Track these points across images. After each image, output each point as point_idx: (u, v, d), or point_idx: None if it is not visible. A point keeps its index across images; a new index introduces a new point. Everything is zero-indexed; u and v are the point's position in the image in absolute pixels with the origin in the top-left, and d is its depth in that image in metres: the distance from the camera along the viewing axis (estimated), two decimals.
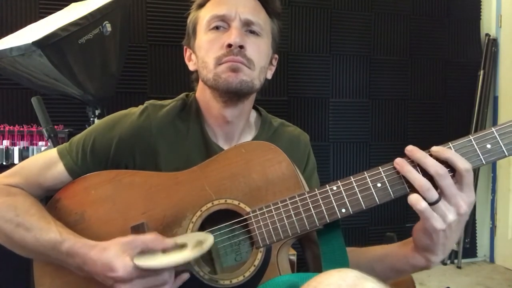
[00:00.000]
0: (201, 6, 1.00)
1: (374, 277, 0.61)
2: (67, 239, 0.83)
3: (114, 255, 0.78)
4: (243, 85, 0.92)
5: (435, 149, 0.76)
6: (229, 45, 0.91)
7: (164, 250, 0.79)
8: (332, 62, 2.95)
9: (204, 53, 0.95)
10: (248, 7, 0.96)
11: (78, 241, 0.83)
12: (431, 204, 0.74)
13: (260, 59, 0.96)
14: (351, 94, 3.00)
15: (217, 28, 0.95)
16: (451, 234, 0.77)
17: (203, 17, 0.98)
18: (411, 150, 0.77)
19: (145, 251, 0.79)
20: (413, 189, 0.76)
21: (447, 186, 0.74)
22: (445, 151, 0.75)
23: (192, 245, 0.79)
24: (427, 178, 0.75)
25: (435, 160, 0.75)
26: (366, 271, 0.68)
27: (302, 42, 2.89)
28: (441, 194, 0.74)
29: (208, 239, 0.79)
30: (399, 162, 0.77)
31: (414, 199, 0.74)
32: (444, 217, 0.74)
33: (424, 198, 0.74)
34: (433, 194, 0.74)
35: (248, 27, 0.95)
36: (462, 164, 0.73)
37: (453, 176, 0.75)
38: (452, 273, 2.98)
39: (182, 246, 0.80)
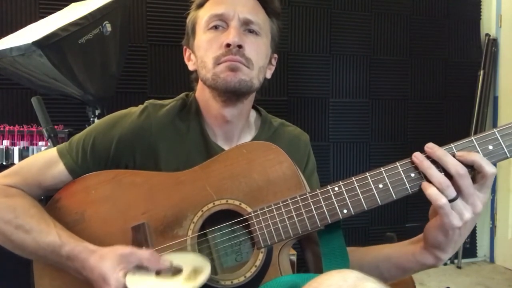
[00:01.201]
0: (200, 6, 0.99)
1: (374, 278, 0.61)
2: (66, 243, 0.84)
3: (109, 267, 0.78)
4: (242, 84, 0.91)
5: (460, 153, 0.75)
6: (228, 45, 0.91)
7: (159, 271, 0.79)
8: (332, 62, 2.95)
9: (203, 52, 0.95)
10: (247, 7, 0.95)
11: (78, 244, 0.84)
12: (449, 201, 0.74)
13: (259, 59, 0.95)
14: (351, 94, 3.00)
15: (215, 27, 0.94)
16: (464, 232, 0.77)
17: (202, 16, 0.97)
18: (432, 147, 0.76)
19: (141, 267, 0.79)
20: (419, 190, 0.76)
21: (466, 186, 0.74)
22: (471, 154, 0.74)
23: (187, 274, 0.78)
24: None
25: (455, 160, 0.74)
26: (370, 270, 0.68)
27: (302, 42, 2.89)
28: (459, 192, 0.74)
29: (204, 270, 0.77)
30: (419, 156, 0.76)
31: (435, 194, 0.74)
32: (461, 215, 0.74)
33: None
34: (451, 192, 0.74)
35: (247, 26, 0.94)
36: (490, 168, 0.73)
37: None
38: (452, 273, 2.98)
39: (176, 271, 0.79)
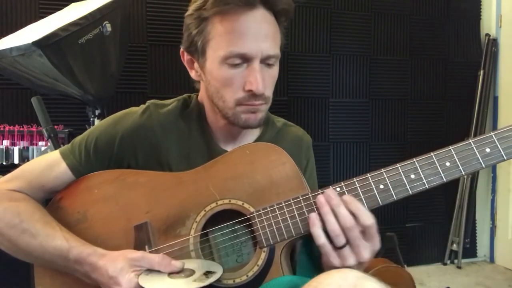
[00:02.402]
0: (207, 18, 0.89)
1: (374, 277, 0.61)
2: (74, 246, 0.84)
3: (121, 269, 0.79)
4: (260, 122, 0.93)
5: (345, 198, 0.79)
6: (251, 90, 0.87)
7: (171, 273, 0.80)
8: (332, 62, 2.95)
9: (220, 86, 0.90)
10: (269, 39, 0.88)
11: (87, 248, 0.84)
12: (338, 248, 0.77)
13: (273, 87, 0.94)
14: (351, 94, 3.00)
15: (236, 64, 0.88)
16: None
17: (217, 42, 0.88)
18: (328, 196, 0.79)
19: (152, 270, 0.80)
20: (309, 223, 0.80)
21: (352, 237, 0.77)
22: (353, 203, 0.78)
23: (200, 275, 0.79)
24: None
25: (347, 213, 0.77)
26: None
27: (302, 42, 2.89)
28: (347, 240, 0.78)
29: (217, 272, 0.79)
30: (323, 201, 0.79)
31: (317, 235, 0.78)
32: (344, 260, 0.77)
33: (333, 241, 0.78)
34: (341, 240, 0.77)
35: (267, 60, 0.89)
36: (365, 219, 0.77)
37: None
38: (452, 273, 2.99)
39: (189, 273, 0.80)
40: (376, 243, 0.79)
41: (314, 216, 0.79)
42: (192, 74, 0.99)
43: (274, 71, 0.92)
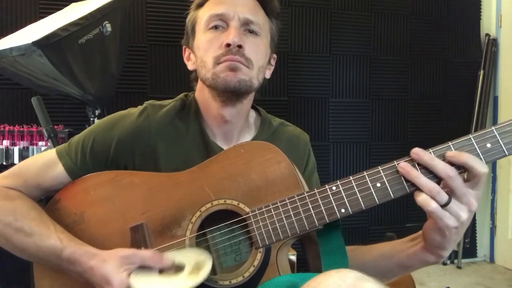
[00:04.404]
0: (200, 5, 0.99)
1: (373, 278, 0.61)
2: (67, 246, 0.84)
3: (112, 269, 0.79)
4: (241, 84, 0.92)
5: (451, 153, 0.74)
6: (228, 45, 0.91)
7: (161, 270, 0.80)
8: (332, 62, 2.95)
9: (203, 52, 0.95)
10: (247, 7, 0.95)
11: (79, 248, 0.84)
12: (443, 206, 0.73)
13: (258, 59, 0.95)
14: (351, 94, 2.99)
15: (215, 27, 0.94)
16: (462, 230, 0.77)
17: (202, 16, 0.97)
18: (418, 153, 0.74)
19: (143, 267, 0.80)
20: (417, 189, 0.75)
21: (458, 187, 0.72)
22: (462, 155, 0.73)
23: (190, 269, 0.79)
24: (431, 179, 0.74)
25: (443, 162, 0.73)
26: (372, 269, 0.67)
27: (302, 42, 2.89)
28: (452, 193, 0.73)
29: (206, 264, 0.79)
30: (404, 167, 0.75)
31: (423, 200, 0.73)
32: (457, 217, 0.73)
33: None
34: (443, 197, 0.72)
35: (246, 26, 0.95)
36: (482, 168, 0.72)
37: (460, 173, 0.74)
38: (452, 273, 2.98)
39: (179, 268, 0.80)
40: (481, 191, 0.74)
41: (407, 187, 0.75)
42: (189, 66, 1.03)
43: (259, 39, 0.96)
